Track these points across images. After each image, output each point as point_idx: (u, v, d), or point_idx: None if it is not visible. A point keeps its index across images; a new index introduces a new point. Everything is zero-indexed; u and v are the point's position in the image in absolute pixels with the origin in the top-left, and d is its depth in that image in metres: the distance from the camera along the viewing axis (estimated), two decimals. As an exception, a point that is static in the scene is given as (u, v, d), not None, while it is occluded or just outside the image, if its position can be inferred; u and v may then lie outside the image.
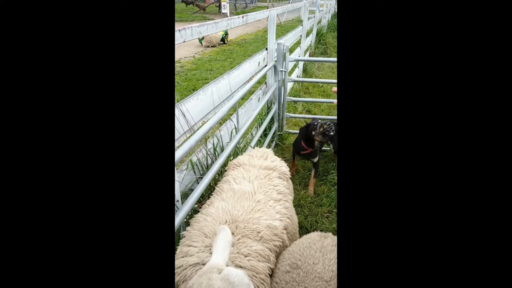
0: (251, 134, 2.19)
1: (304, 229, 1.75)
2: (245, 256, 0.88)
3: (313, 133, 1.84)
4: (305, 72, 4.64)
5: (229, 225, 0.94)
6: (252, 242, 0.91)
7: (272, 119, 2.40)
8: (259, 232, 0.94)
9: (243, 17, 1.67)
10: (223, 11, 12.95)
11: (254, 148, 1.70)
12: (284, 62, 2.24)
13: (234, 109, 1.55)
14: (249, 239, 0.91)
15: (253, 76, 1.98)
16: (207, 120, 1.16)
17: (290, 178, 2.14)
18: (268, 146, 2.38)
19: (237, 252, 0.88)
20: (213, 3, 13.79)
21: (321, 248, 0.89)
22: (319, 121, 1.87)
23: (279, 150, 2.52)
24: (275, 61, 2.25)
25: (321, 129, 1.80)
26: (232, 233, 0.92)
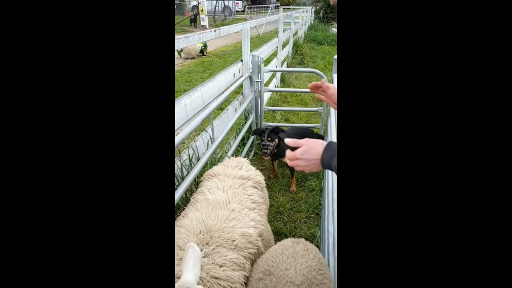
0: (229, 144, 2.20)
1: (283, 236, 1.76)
2: (220, 266, 0.88)
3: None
4: (283, 81, 4.75)
5: (203, 235, 0.94)
6: (227, 251, 0.91)
7: (250, 128, 2.43)
8: (233, 240, 0.94)
9: (215, 30, 1.71)
10: (202, 23, 13.10)
11: (230, 157, 1.72)
12: (259, 73, 2.30)
13: (209, 120, 1.57)
14: (224, 248, 0.92)
15: (228, 87, 2.02)
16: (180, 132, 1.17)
17: (270, 185, 2.18)
18: (247, 155, 2.40)
19: (212, 263, 0.88)
20: (191, 16, 13.92)
21: (293, 254, 0.91)
22: (266, 141, 1.98)
23: (258, 159, 2.55)
24: (251, 72, 2.30)
25: (262, 144, 1.99)
26: (207, 243, 0.92)
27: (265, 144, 1.96)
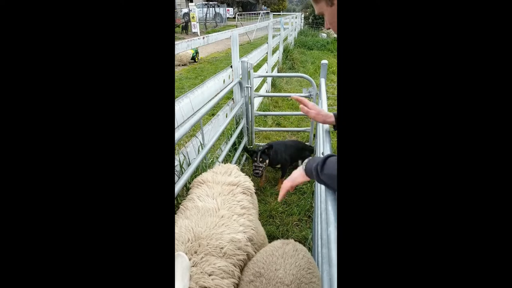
0: (220, 149, 2.22)
1: (276, 239, 1.77)
2: (209, 275, 0.87)
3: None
4: (274, 86, 4.81)
5: (191, 243, 0.94)
6: (216, 259, 0.91)
7: (241, 133, 2.46)
8: (222, 248, 0.94)
9: (203, 38, 1.74)
10: (193, 30, 13.19)
11: (221, 163, 1.73)
12: (249, 79, 2.34)
13: (199, 125, 1.59)
14: (213, 257, 0.92)
15: (218, 94, 2.04)
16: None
17: (262, 189, 2.19)
18: (239, 160, 2.42)
19: (201, 272, 0.87)
20: (183, 23, 13.99)
21: (283, 254, 0.93)
22: (258, 162, 2.12)
23: (250, 163, 2.56)
24: (240, 78, 2.34)
25: (254, 165, 2.12)
26: (195, 252, 0.92)
27: (257, 166, 2.09)
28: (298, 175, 0.82)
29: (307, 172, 0.78)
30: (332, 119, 1.06)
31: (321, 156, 0.77)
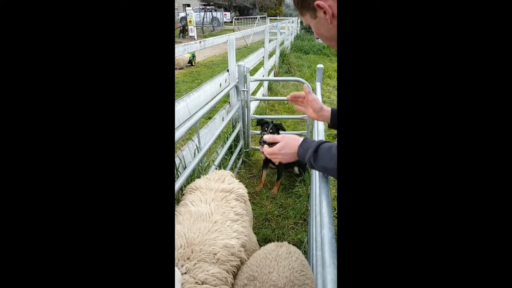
0: (217, 153, 2.22)
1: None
2: (202, 283, 0.86)
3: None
4: (271, 90, 4.84)
5: (184, 249, 0.93)
6: (209, 265, 0.90)
7: (238, 137, 2.47)
8: (215, 254, 0.93)
9: (200, 42, 1.75)
10: (190, 34, 13.26)
11: (216, 167, 1.74)
12: (245, 83, 2.35)
13: (195, 129, 1.59)
14: (206, 263, 0.90)
15: (214, 97, 2.05)
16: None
17: (258, 192, 2.20)
18: (235, 163, 2.42)
19: (193, 279, 0.86)
20: (180, 26, 14.05)
21: (276, 257, 0.94)
22: (268, 132, 2.18)
23: (246, 167, 2.57)
24: (237, 81, 2.35)
25: (262, 134, 2.20)
26: (188, 258, 0.91)
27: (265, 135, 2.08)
28: (289, 156, 0.78)
29: (300, 156, 0.76)
30: (328, 115, 0.97)
31: (315, 141, 0.74)
